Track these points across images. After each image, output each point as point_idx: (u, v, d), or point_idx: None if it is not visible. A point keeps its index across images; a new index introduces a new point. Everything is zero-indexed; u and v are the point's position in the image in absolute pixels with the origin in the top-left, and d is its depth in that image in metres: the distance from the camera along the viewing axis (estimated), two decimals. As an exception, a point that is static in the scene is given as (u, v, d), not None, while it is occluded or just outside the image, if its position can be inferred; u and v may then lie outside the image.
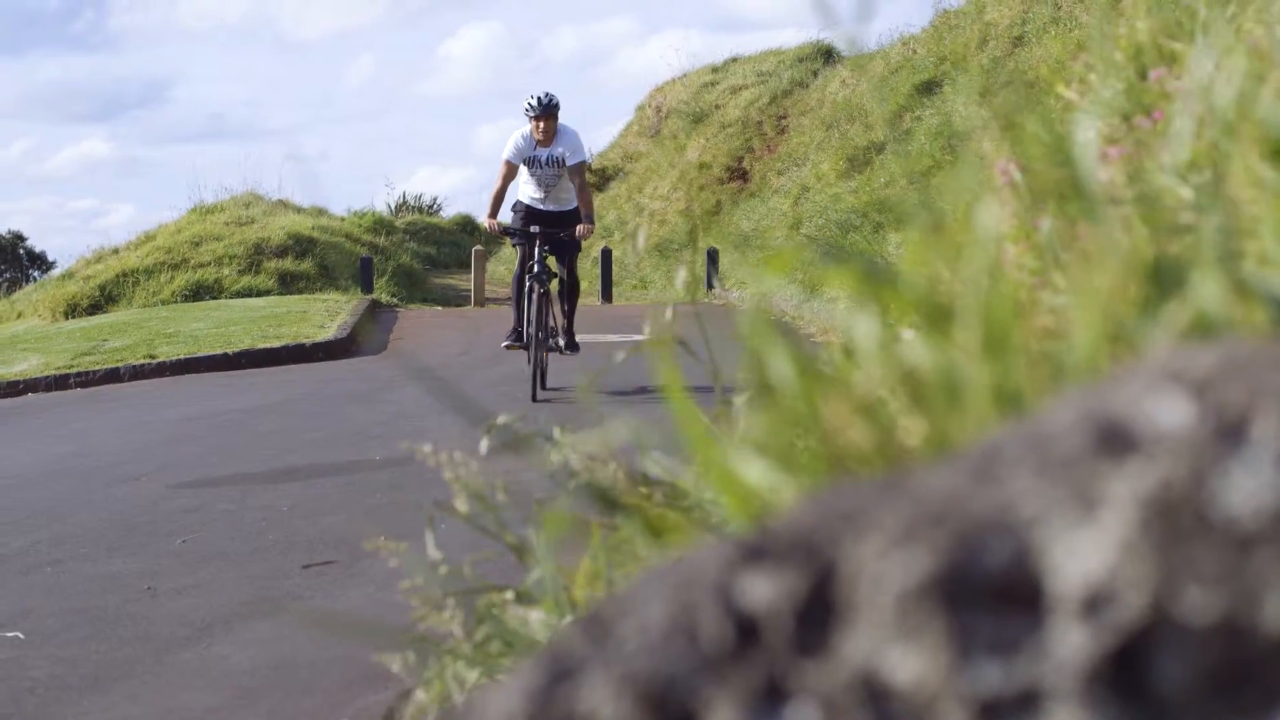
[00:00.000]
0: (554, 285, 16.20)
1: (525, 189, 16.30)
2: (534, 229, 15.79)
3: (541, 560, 2.14)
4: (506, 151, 16.10)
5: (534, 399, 14.91)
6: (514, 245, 16.35)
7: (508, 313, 33.33)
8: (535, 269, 15.59)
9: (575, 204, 16.19)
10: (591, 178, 49.03)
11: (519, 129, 16.16)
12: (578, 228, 15.96)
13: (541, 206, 16.18)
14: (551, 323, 16.08)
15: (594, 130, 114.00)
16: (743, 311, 1.32)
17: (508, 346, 15.93)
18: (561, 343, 16.33)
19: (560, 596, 2.17)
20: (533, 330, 15.48)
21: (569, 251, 16.15)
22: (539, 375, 15.35)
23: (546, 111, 15.85)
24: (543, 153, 16.06)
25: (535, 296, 15.51)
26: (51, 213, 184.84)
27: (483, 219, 16.68)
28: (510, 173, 16.06)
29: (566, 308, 16.39)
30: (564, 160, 16.06)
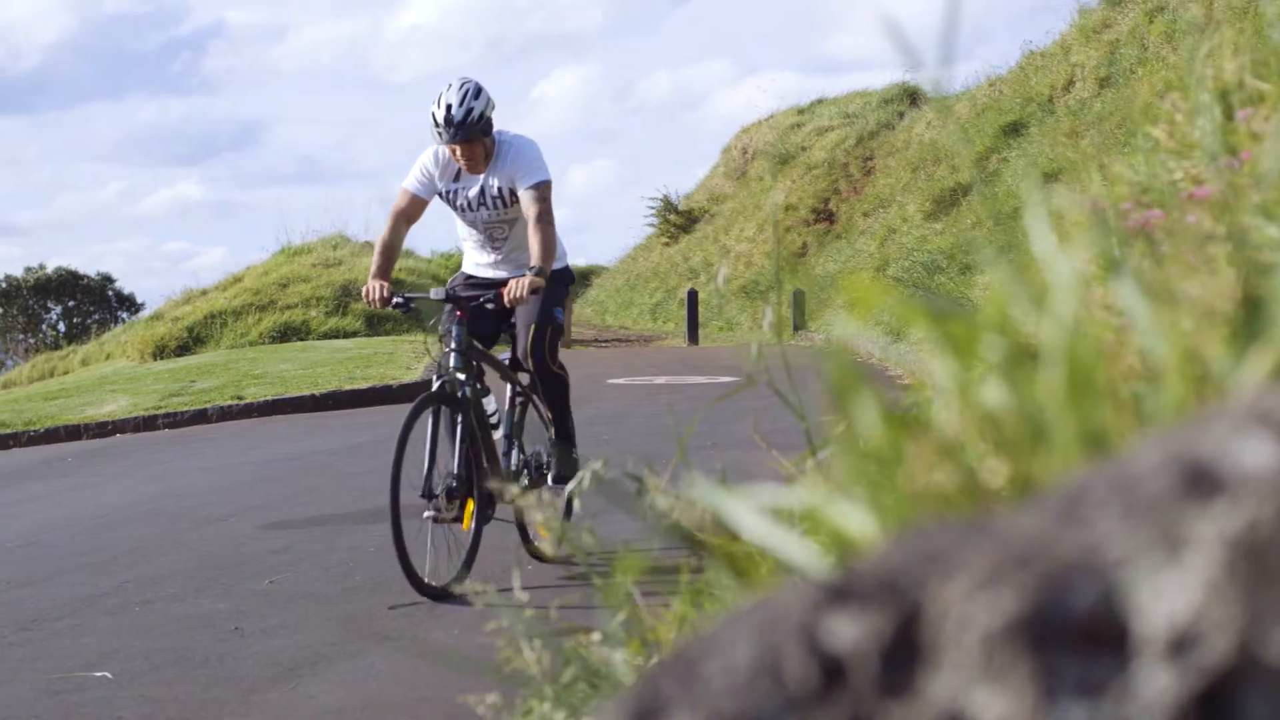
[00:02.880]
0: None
1: (468, 252, 9.96)
2: (437, 295, 9.31)
3: (624, 601, 2.15)
4: (409, 177, 9.60)
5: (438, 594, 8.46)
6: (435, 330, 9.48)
7: (594, 354, 33.33)
8: (452, 362, 9.09)
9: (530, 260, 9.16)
10: (677, 219, 49.32)
11: (432, 146, 9.52)
12: (512, 282, 9.01)
13: (492, 274, 9.74)
14: (517, 449, 9.73)
15: (682, 173, 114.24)
16: (827, 353, 1.33)
17: (432, 518, 8.65)
18: (549, 473, 9.85)
19: (646, 637, 2.18)
20: (452, 471, 8.88)
21: (524, 323, 9.41)
22: (472, 551, 8.86)
23: (462, 134, 9.12)
24: (471, 185, 9.49)
25: (446, 419, 9.06)
26: (143, 254, 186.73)
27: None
28: (410, 208, 9.58)
29: (548, 415, 9.75)
30: (512, 192, 9.41)
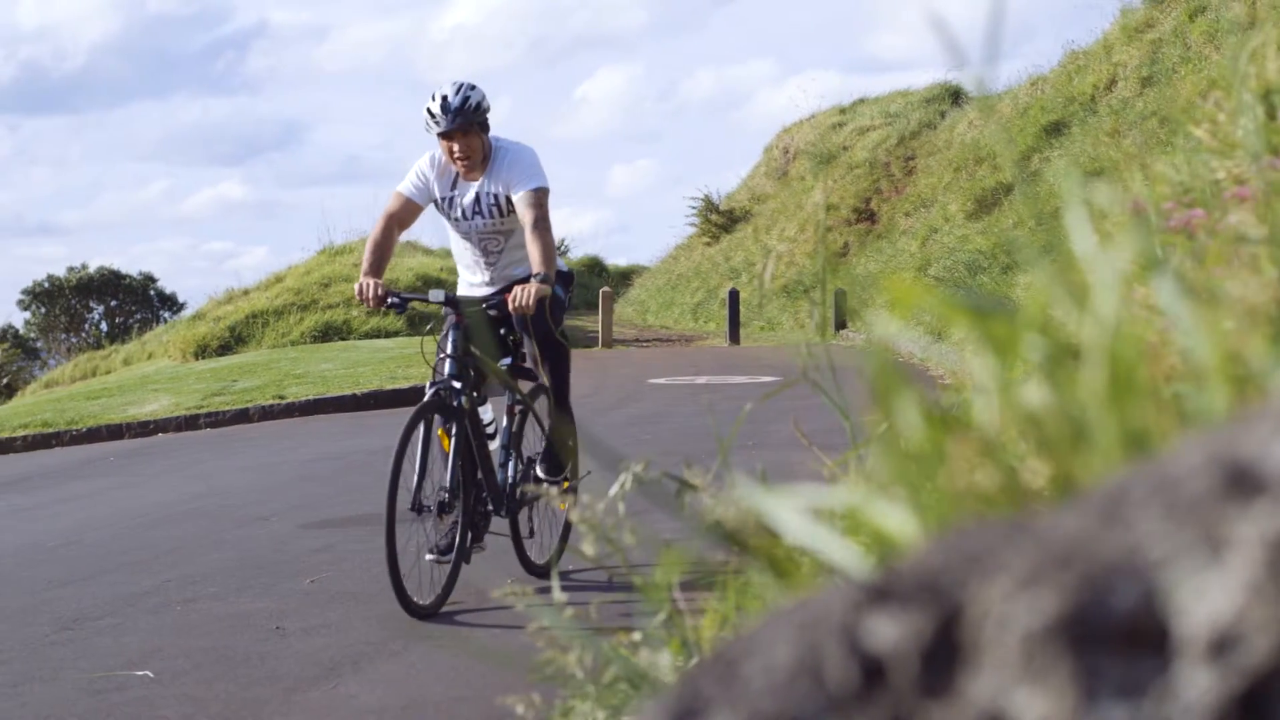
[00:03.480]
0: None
1: (461, 272, 9.58)
2: (435, 297, 8.84)
3: (665, 600, 2.15)
4: (404, 180, 9.15)
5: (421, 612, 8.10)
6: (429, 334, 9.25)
7: (635, 354, 33.28)
8: (447, 369, 8.79)
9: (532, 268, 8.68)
10: (718, 218, 49.28)
11: (430, 150, 9.18)
12: (517, 289, 8.49)
13: (486, 290, 9.28)
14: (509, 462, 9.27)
15: (724, 172, 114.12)
16: (869, 353, 1.32)
17: (434, 560, 8.43)
18: (539, 471, 9.39)
19: (687, 637, 2.17)
20: (447, 486, 8.64)
21: (532, 317, 8.68)
22: (452, 581, 8.37)
23: (460, 122, 8.81)
24: (466, 192, 9.09)
25: (441, 433, 8.83)
26: (186, 254, 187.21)
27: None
28: (403, 212, 9.11)
29: (550, 384, 9.23)
30: (508, 199, 8.99)
